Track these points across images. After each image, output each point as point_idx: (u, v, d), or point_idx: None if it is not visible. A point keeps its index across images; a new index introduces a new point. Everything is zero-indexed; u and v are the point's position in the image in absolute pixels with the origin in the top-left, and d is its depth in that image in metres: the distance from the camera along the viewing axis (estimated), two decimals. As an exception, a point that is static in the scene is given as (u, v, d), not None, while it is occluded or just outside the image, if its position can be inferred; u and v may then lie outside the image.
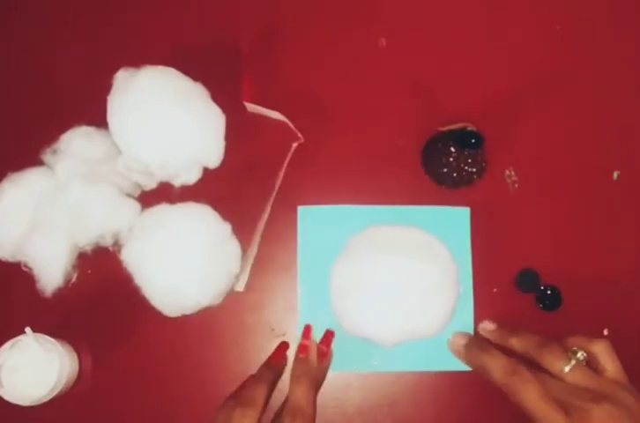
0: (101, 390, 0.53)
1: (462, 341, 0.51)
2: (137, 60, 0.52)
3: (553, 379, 0.44)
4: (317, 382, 0.48)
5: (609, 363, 0.45)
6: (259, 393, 0.44)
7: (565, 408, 0.41)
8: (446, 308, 0.51)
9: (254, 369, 0.50)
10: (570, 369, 0.44)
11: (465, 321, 0.53)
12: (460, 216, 0.54)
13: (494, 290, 0.54)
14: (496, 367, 0.45)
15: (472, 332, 0.53)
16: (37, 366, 0.48)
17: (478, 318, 0.53)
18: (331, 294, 0.52)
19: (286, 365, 0.50)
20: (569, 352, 0.45)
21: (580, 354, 0.45)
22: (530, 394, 0.42)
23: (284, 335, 0.53)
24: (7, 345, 0.48)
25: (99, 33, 0.58)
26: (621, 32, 0.59)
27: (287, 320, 0.53)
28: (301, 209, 0.54)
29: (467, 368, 0.50)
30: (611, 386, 0.43)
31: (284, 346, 0.52)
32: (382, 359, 0.52)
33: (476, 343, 0.50)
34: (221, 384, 0.49)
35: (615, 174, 0.56)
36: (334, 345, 0.52)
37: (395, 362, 0.53)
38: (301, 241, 0.54)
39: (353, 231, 0.53)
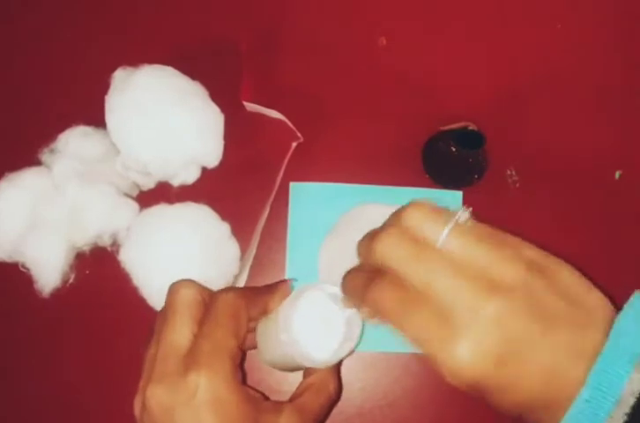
0: (101, 390, 0.52)
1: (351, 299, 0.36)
2: (136, 59, 0.52)
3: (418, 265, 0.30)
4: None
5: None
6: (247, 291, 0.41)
7: (442, 316, 0.29)
8: None
9: (253, 369, 0.49)
10: (448, 235, 0.30)
11: None
12: (452, 199, 0.54)
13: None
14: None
15: None
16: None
17: None
18: (318, 270, 0.53)
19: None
20: (443, 213, 0.31)
21: (462, 214, 0.31)
22: (385, 302, 0.30)
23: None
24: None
25: (97, 33, 0.57)
26: (623, 31, 0.59)
27: (287, 320, 0.53)
28: (293, 185, 0.54)
29: None
30: (514, 255, 0.30)
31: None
32: (366, 337, 0.52)
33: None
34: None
35: (617, 174, 0.56)
36: None
37: (377, 342, 0.52)
38: (292, 217, 0.54)
39: (343, 208, 0.54)
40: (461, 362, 0.28)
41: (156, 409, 0.37)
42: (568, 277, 0.31)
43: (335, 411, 0.52)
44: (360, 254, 0.34)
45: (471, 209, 0.31)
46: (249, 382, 0.49)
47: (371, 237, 0.32)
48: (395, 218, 0.32)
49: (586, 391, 0.28)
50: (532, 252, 0.31)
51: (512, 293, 0.29)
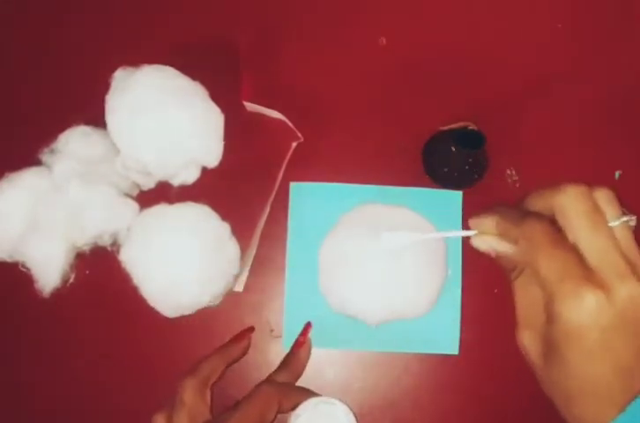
0: (100, 390, 0.52)
1: (489, 222, 0.37)
2: (136, 59, 0.52)
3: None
4: (296, 373, 0.50)
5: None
6: (205, 365, 0.48)
7: (587, 268, 0.32)
8: (432, 289, 0.52)
9: (253, 370, 0.49)
10: (620, 224, 0.34)
11: (452, 305, 0.53)
12: (452, 199, 0.54)
13: (495, 290, 0.54)
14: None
15: (458, 315, 0.53)
16: None
17: (465, 303, 0.53)
18: (318, 270, 0.53)
19: (246, 346, 0.51)
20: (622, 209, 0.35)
21: (634, 219, 0.35)
22: (542, 232, 0.33)
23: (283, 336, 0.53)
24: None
25: (97, 33, 0.57)
26: (624, 31, 0.59)
27: (287, 320, 0.53)
28: (293, 185, 0.54)
29: (450, 352, 0.50)
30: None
31: (248, 329, 0.52)
32: (366, 338, 0.53)
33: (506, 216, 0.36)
34: (219, 384, 0.49)
35: (617, 174, 0.56)
36: (319, 322, 0.52)
37: (379, 342, 0.53)
38: (292, 217, 0.54)
39: (343, 209, 0.54)
40: (585, 306, 0.31)
41: None
42: None
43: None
44: (532, 197, 0.36)
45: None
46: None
47: (557, 187, 0.34)
48: (586, 186, 0.34)
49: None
50: None
51: None
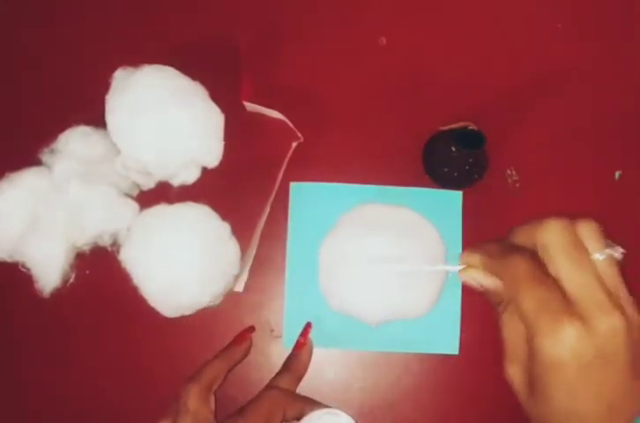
0: (100, 390, 0.52)
1: (477, 257, 0.37)
2: (136, 59, 0.52)
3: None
4: (298, 375, 0.50)
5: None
6: (207, 370, 0.47)
7: (566, 302, 0.32)
8: (432, 289, 0.52)
9: (253, 370, 0.49)
10: (603, 257, 0.33)
11: (452, 305, 0.53)
12: (452, 199, 0.54)
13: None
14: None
15: (458, 315, 0.53)
16: None
17: (465, 303, 0.53)
18: (318, 270, 0.53)
19: (248, 347, 0.51)
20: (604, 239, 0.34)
21: (619, 250, 0.34)
22: (524, 268, 0.33)
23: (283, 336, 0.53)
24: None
25: (97, 33, 0.57)
26: (624, 31, 0.59)
27: (287, 320, 0.53)
28: (293, 185, 0.54)
29: (450, 352, 0.50)
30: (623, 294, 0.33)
31: (248, 329, 0.52)
32: (366, 338, 0.53)
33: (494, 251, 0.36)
34: (220, 385, 0.49)
35: (617, 174, 0.56)
36: (319, 322, 0.52)
37: (379, 342, 0.53)
38: (292, 217, 0.54)
39: (343, 208, 0.54)
40: (563, 340, 0.30)
41: None
42: None
43: (335, 411, 0.52)
44: (515, 233, 0.36)
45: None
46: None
47: (540, 222, 0.34)
48: (569, 220, 0.35)
49: None
50: None
51: (631, 323, 0.32)
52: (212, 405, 0.47)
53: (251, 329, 0.52)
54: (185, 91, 0.52)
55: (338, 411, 0.44)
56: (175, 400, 0.46)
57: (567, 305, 0.31)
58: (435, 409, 0.53)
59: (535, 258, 0.34)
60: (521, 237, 0.35)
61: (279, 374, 0.49)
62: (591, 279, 0.32)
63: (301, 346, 0.51)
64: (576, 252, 0.33)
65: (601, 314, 0.31)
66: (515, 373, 0.35)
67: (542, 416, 0.33)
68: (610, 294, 0.32)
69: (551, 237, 0.33)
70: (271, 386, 0.48)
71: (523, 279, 0.33)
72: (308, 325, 0.52)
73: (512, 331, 0.35)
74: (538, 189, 0.55)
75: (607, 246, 0.34)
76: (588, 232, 0.34)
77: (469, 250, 0.38)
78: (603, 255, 0.33)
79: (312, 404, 0.47)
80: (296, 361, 0.50)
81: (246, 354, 0.51)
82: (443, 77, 0.57)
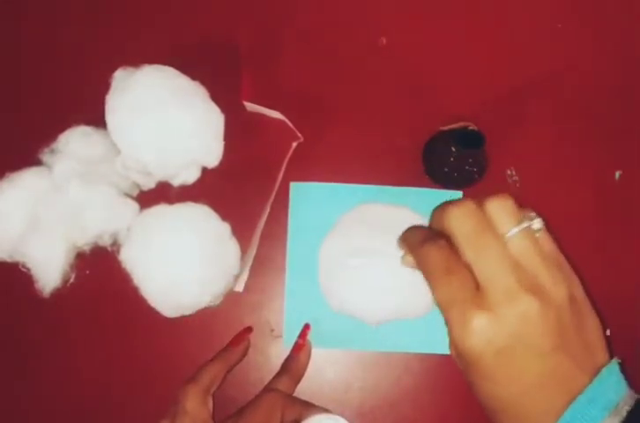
0: (100, 390, 0.52)
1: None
2: (136, 59, 0.52)
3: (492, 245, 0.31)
4: (297, 377, 0.50)
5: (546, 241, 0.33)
6: (206, 371, 0.47)
7: (477, 289, 0.30)
8: None
9: (253, 370, 0.49)
10: (517, 233, 0.31)
11: None
12: (452, 199, 0.54)
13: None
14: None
15: None
16: None
17: None
18: (318, 270, 0.53)
19: (246, 348, 0.51)
20: (523, 214, 0.32)
21: (537, 221, 0.32)
22: (433, 258, 0.32)
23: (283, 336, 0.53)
24: None
25: (97, 33, 0.57)
26: (623, 31, 0.59)
27: (287, 320, 0.53)
28: (293, 185, 0.54)
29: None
30: (557, 274, 0.31)
31: (246, 330, 0.52)
32: (366, 338, 0.53)
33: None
34: (219, 385, 0.49)
35: (617, 174, 0.56)
36: (319, 322, 0.52)
37: (379, 342, 0.53)
38: (292, 216, 0.54)
39: (343, 209, 0.54)
40: (473, 331, 0.29)
41: None
42: (593, 325, 0.32)
43: (335, 411, 0.52)
44: (431, 216, 0.34)
45: (545, 222, 0.32)
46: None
47: (449, 204, 0.33)
48: (479, 199, 0.33)
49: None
50: (579, 290, 0.33)
51: (548, 304, 0.30)
52: (210, 407, 0.47)
53: (249, 330, 0.52)
54: (185, 91, 0.52)
55: (337, 417, 0.44)
56: (173, 402, 0.46)
57: (476, 295, 0.30)
58: (435, 409, 0.53)
59: (451, 246, 0.32)
60: (434, 223, 0.33)
61: (277, 376, 0.49)
62: (497, 265, 0.30)
63: (300, 348, 0.51)
64: (479, 238, 0.31)
65: (508, 301, 0.29)
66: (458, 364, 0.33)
67: (482, 403, 0.32)
68: (521, 277, 0.30)
69: (454, 224, 0.31)
70: (269, 388, 0.48)
71: (433, 271, 0.31)
72: (307, 326, 0.52)
73: None
74: (538, 189, 0.55)
75: (524, 219, 0.32)
76: (496, 209, 0.32)
77: (400, 237, 0.36)
78: (517, 229, 0.31)
79: (310, 407, 0.47)
80: (294, 363, 0.50)
81: (244, 355, 0.51)
82: (443, 77, 0.57)
